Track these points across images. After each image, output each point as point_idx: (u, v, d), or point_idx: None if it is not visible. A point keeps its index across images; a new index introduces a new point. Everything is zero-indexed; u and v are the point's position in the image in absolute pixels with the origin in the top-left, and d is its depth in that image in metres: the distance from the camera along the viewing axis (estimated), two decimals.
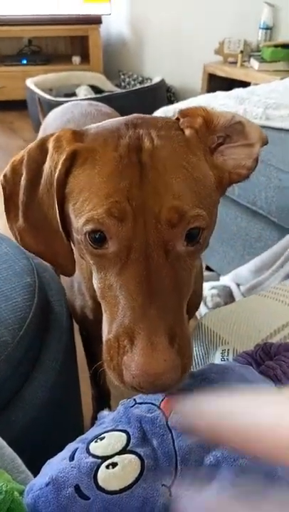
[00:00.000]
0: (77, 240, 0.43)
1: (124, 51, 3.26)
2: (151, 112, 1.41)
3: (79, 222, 0.40)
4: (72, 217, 0.43)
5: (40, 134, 1.05)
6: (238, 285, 1.16)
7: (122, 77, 3.11)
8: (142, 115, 0.46)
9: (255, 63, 2.07)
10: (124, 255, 0.39)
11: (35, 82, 2.59)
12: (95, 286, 0.43)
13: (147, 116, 0.46)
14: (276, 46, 2.03)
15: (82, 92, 2.68)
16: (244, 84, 1.96)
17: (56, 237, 0.45)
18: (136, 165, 0.40)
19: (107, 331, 0.39)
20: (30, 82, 2.55)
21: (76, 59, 3.13)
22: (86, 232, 0.40)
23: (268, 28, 2.16)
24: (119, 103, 2.49)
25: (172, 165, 0.40)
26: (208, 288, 1.33)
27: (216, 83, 2.24)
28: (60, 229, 0.44)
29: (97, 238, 0.39)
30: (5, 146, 2.58)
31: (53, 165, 0.43)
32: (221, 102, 1.27)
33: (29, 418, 0.56)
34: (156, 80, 2.64)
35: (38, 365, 0.59)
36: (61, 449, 0.37)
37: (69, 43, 3.31)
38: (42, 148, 0.45)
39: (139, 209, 0.38)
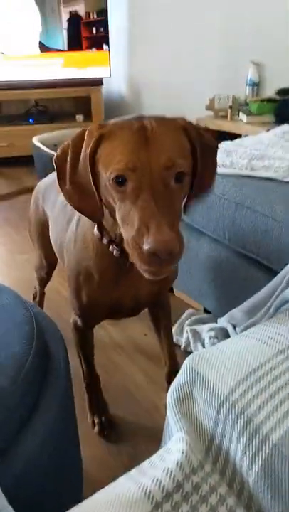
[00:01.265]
0: (106, 187, 0.67)
1: (124, 108, 3.50)
2: None
3: (107, 173, 0.65)
4: (102, 173, 0.67)
5: (33, 198, 1.30)
6: (234, 326, 1.18)
7: None
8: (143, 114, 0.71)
9: (243, 116, 2.22)
10: (138, 190, 0.63)
11: (41, 139, 2.77)
12: (118, 216, 0.67)
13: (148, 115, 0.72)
14: (262, 101, 2.19)
15: None
16: (235, 135, 2.09)
17: (90, 194, 0.70)
18: (143, 138, 0.64)
19: (128, 235, 0.64)
20: (36, 140, 2.74)
21: (80, 117, 3.36)
22: (113, 177, 0.64)
23: (254, 85, 2.34)
24: None
25: (166, 137, 0.65)
26: (206, 330, 1.36)
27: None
28: (93, 187, 0.69)
29: (120, 181, 0.64)
30: (13, 200, 2.72)
31: (87, 144, 0.68)
32: None
33: (26, 463, 0.57)
34: None
35: (36, 410, 0.62)
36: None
37: (73, 103, 3.56)
38: (80, 136, 0.70)
39: (146, 162, 0.63)
